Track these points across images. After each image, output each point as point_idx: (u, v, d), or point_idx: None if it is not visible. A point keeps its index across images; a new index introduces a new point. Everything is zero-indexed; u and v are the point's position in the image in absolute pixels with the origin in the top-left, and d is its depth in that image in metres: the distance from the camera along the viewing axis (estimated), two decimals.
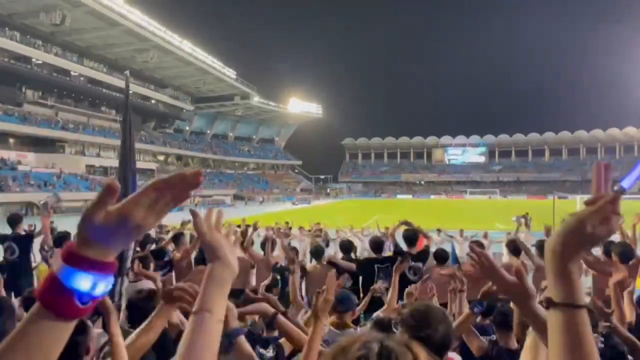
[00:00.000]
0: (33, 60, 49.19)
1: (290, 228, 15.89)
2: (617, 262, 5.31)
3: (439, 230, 14.94)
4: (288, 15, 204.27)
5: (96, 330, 2.11)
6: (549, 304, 0.88)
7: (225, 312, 1.00)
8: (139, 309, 2.69)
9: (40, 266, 6.90)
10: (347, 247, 7.00)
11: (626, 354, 2.91)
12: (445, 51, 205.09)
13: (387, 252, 6.97)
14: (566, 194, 57.94)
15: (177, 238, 7.32)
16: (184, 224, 10.06)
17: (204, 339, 0.93)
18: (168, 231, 11.18)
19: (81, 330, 1.79)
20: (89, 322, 1.94)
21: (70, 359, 1.71)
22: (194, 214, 1.06)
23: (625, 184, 0.89)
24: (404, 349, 0.61)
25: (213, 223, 1.05)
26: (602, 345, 2.90)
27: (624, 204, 0.77)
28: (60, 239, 6.49)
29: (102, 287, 0.68)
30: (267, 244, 7.04)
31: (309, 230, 15.23)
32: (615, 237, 6.02)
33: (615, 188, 0.88)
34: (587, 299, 3.23)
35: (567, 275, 0.87)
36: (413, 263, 6.23)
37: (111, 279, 0.69)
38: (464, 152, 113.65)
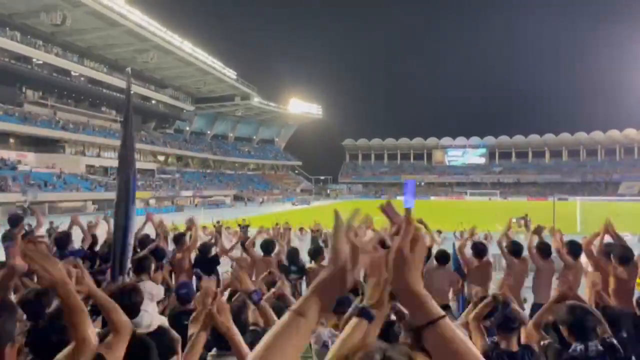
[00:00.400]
0: (33, 60, 49.18)
1: (290, 228, 15.94)
2: (616, 263, 5.38)
3: (439, 232, 15.01)
4: (288, 16, 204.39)
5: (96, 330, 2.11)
6: (419, 330, 0.90)
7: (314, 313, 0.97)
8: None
9: None
10: None
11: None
12: (445, 52, 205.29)
13: None
14: (566, 195, 57.97)
15: (178, 239, 7.39)
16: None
17: (293, 338, 0.93)
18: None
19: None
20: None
21: None
22: (337, 215, 1.01)
23: (408, 204, 1.00)
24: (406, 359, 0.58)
25: (354, 225, 1.01)
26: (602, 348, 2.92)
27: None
28: (61, 238, 6.47)
29: None
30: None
31: (311, 231, 15.32)
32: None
33: (405, 209, 0.97)
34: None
35: (419, 298, 0.91)
36: None
37: None
38: (464, 154, 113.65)
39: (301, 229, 15.46)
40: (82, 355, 1.74)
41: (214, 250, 7.58)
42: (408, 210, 0.95)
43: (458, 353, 0.85)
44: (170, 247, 7.49)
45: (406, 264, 0.93)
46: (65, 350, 1.78)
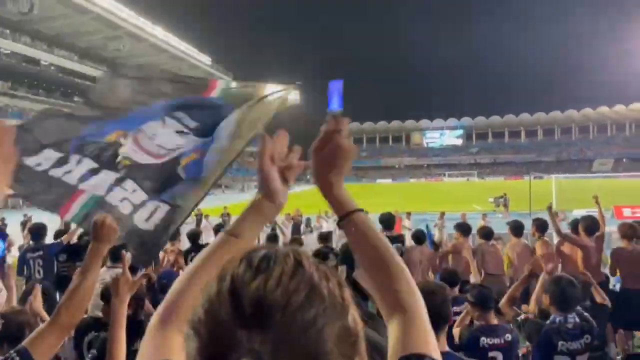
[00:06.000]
0: (1, 50, 47.73)
1: (292, 218, 15.80)
2: (582, 234, 5.57)
3: (408, 214, 15.06)
4: (261, 2, 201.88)
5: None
6: (339, 222, 0.99)
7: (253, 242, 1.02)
8: None
9: None
10: (324, 236, 7.25)
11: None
12: (421, 33, 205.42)
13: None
14: (542, 174, 58.88)
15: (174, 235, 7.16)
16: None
17: (223, 258, 0.91)
18: None
19: None
20: None
21: None
22: (263, 138, 1.03)
23: (333, 106, 1.01)
24: (288, 254, 0.59)
25: (277, 152, 1.04)
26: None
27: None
28: (37, 230, 6.41)
29: None
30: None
31: (292, 217, 15.27)
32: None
33: (329, 113, 0.98)
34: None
35: (337, 197, 0.99)
36: (395, 245, 6.29)
37: None
38: (441, 135, 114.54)
39: (287, 215, 15.43)
40: None
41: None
42: (331, 111, 0.98)
43: (371, 239, 0.94)
44: None
45: (320, 163, 0.99)
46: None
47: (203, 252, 0.98)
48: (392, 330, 0.85)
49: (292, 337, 0.51)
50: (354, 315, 0.57)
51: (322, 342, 0.51)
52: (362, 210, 0.99)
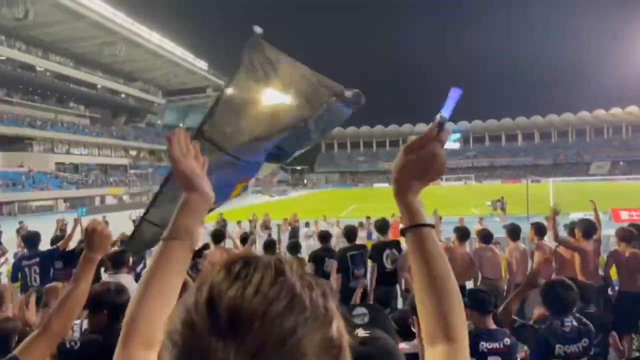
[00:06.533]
0: None
1: (297, 221, 15.82)
2: (580, 238, 5.56)
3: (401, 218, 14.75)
4: (259, 4, 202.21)
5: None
6: (402, 231, 0.96)
7: (198, 240, 1.01)
8: None
9: None
10: (324, 236, 7.09)
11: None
12: (416, 38, 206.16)
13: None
14: (539, 177, 58.95)
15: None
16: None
17: (172, 265, 0.94)
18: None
19: None
20: None
21: None
22: (169, 139, 1.05)
23: (444, 112, 0.95)
24: (269, 262, 0.57)
25: (183, 147, 1.05)
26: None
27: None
28: (31, 237, 6.39)
29: None
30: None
31: (288, 222, 15.32)
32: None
33: (437, 118, 0.93)
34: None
35: (408, 204, 0.94)
36: (388, 251, 6.25)
37: None
38: None
39: (285, 220, 15.49)
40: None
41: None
42: (441, 118, 0.94)
43: (434, 258, 0.89)
44: None
45: (408, 164, 0.94)
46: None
47: (150, 265, 0.94)
48: (436, 356, 0.84)
49: (270, 347, 0.49)
50: (338, 326, 0.56)
51: (301, 353, 0.49)
52: (432, 226, 0.94)
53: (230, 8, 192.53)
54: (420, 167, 0.94)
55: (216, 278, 0.55)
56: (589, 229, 5.61)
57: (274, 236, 13.14)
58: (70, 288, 1.71)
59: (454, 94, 0.98)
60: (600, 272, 5.64)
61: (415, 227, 0.93)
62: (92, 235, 1.73)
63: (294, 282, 0.56)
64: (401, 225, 0.96)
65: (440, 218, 6.85)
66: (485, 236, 6.45)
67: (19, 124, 50.25)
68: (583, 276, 5.18)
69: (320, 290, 0.58)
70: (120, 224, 7.45)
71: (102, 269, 4.94)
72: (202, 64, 75.66)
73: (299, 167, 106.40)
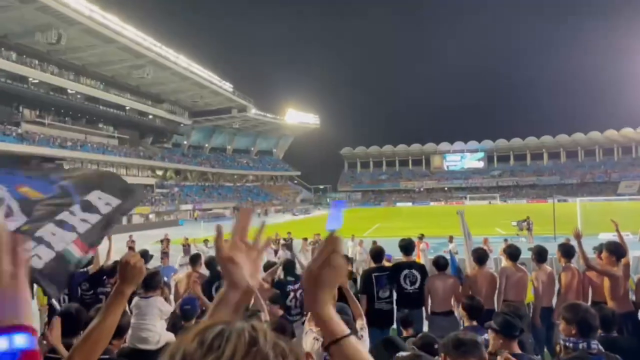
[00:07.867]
0: (30, 79, 49.21)
1: (292, 239, 15.87)
2: (608, 260, 5.38)
3: (421, 237, 14.07)
4: (283, 27, 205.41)
5: None
6: (326, 348, 0.94)
7: None
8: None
9: None
10: (346, 258, 7.02)
11: None
12: (440, 57, 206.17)
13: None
14: (566, 197, 57.85)
15: (194, 259, 7.20)
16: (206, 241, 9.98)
17: None
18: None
19: None
20: None
21: None
22: (218, 231, 1.02)
23: (329, 226, 0.99)
24: (243, 331, 0.56)
25: (239, 233, 1.02)
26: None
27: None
28: None
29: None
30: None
31: (311, 242, 15.31)
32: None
33: (328, 231, 0.97)
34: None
35: (322, 318, 0.94)
36: (407, 271, 6.20)
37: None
38: (462, 158, 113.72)
39: (305, 240, 15.52)
40: None
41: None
42: (330, 232, 0.98)
43: None
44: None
45: (313, 284, 0.94)
46: None
47: None
48: None
49: None
50: None
51: None
52: (354, 334, 0.94)
53: (254, 31, 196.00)
54: (325, 281, 0.94)
55: (188, 347, 0.53)
56: (618, 251, 5.42)
57: (296, 255, 13.15)
58: (97, 321, 1.62)
59: (338, 206, 1.06)
60: (632, 297, 5.48)
61: (339, 340, 0.91)
62: (126, 268, 1.72)
63: (267, 351, 0.55)
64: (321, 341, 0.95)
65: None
66: (512, 253, 6.17)
67: (50, 145, 51.67)
68: (612, 301, 5.06)
69: (293, 356, 0.57)
70: (144, 243, 7.57)
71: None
72: (227, 86, 76.84)
73: (321, 187, 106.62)
